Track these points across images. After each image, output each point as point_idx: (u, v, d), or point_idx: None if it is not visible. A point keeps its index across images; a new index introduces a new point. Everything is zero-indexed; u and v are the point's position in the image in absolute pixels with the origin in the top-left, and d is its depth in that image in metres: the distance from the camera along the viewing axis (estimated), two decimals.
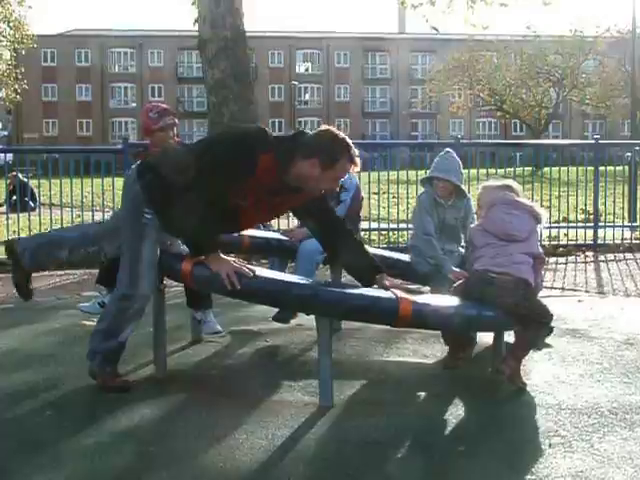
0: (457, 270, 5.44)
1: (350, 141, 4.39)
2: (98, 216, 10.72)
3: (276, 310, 5.90)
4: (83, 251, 5.03)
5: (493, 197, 5.00)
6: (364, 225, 10.84)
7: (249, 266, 4.42)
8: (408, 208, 14.32)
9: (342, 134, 4.40)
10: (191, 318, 5.91)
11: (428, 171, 6.22)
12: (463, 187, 6.03)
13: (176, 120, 6.14)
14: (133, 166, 4.69)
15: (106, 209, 12.27)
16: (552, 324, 4.96)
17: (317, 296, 4.41)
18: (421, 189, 6.10)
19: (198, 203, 4.19)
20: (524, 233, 4.82)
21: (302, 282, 4.63)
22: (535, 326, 4.68)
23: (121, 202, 4.81)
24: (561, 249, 10.66)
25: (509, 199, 4.95)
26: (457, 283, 4.96)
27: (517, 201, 4.97)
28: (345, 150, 4.33)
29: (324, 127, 4.51)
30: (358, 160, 4.40)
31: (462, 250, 5.84)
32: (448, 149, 6.18)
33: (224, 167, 4.21)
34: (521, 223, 4.83)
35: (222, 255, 4.39)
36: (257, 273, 4.40)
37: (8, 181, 17.64)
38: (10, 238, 5.60)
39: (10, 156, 17.82)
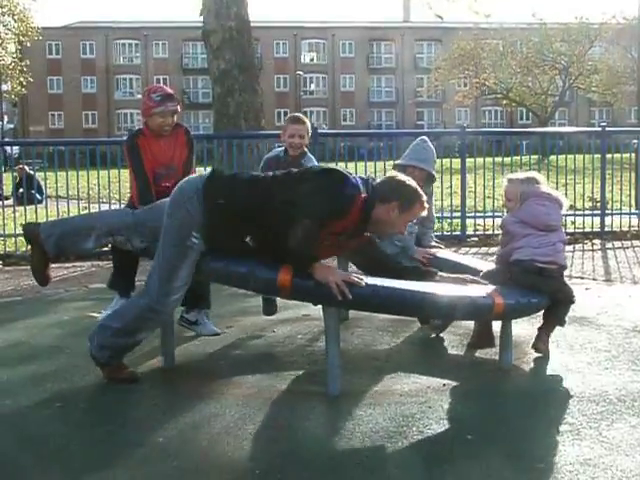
0: (422, 249, 5.92)
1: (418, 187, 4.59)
2: (105, 207, 10.72)
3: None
4: (111, 239, 4.93)
5: (525, 190, 5.19)
6: None
7: (357, 275, 4.38)
8: None
9: (410, 179, 4.58)
10: (179, 317, 5.69)
11: (403, 156, 6.28)
12: (435, 175, 6.26)
13: (178, 108, 5.95)
14: (192, 177, 4.63)
15: (112, 201, 12.26)
16: None
17: (426, 300, 4.44)
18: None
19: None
20: (559, 223, 5.21)
21: (417, 288, 4.51)
22: (564, 306, 5.10)
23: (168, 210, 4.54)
24: (568, 237, 10.60)
25: (541, 191, 5.17)
26: (486, 271, 5.25)
27: (548, 192, 5.21)
28: (418, 194, 4.49)
29: (393, 173, 4.70)
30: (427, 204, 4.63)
31: (416, 229, 6.07)
32: (424, 137, 6.33)
33: (325, 215, 4.21)
34: (555, 213, 5.14)
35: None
36: (367, 281, 4.32)
37: (15, 174, 17.68)
38: (28, 222, 5.33)
39: (16, 149, 17.88)
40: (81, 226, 4.94)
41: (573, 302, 5.15)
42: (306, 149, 6.25)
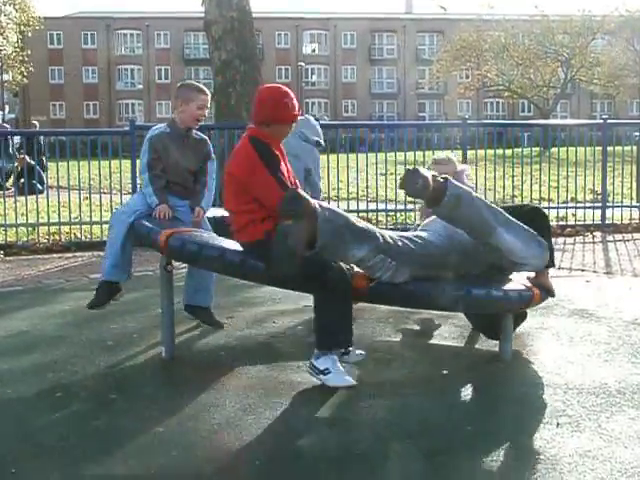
0: None
1: None
2: (106, 198, 10.71)
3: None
4: (376, 261, 4.28)
5: (456, 168, 5.58)
6: (372, 206, 10.85)
7: None
8: None
9: None
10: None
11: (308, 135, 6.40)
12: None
13: None
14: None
15: (113, 191, 12.25)
16: (560, 305, 5.63)
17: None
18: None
19: None
20: None
21: None
22: None
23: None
24: (569, 229, 10.64)
25: (464, 169, 5.73)
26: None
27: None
28: None
29: None
30: None
31: None
32: (307, 115, 6.68)
33: None
34: None
35: None
36: None
37: (16, 164, 17.66)
38: (296, 192, 4.20)
39: (17, 139, 17.85)
40: (361, 228, 4.33)
41: None
42: None
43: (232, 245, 4.80)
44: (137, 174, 5.46)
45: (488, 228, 4.41)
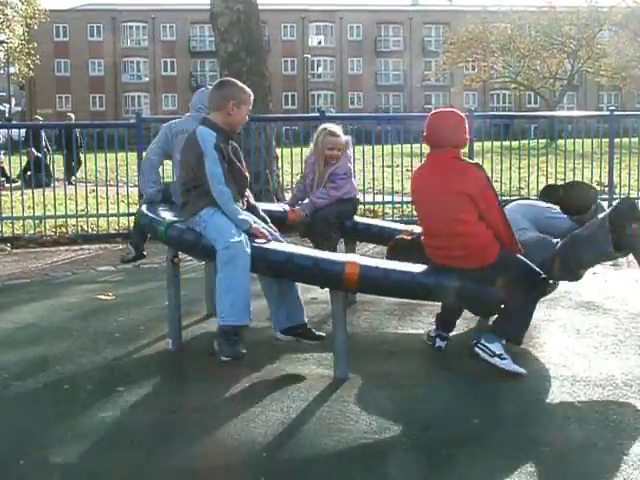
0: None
1: None
2: (112, 191, 10.72)
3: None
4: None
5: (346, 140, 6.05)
6: (378, 198, 10.83)
7: None
8: None
9: None
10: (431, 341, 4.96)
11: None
12: None
13: None
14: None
15: (120, 184, 12.25)
16: (567, 297, 5.53)
17: None
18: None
19: None
20: None
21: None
22: None
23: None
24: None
25: (348, 139, 6.17)
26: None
27: None
28: None
29: None
30: None
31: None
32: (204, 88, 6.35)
33: None
34: None
35: None
36: None
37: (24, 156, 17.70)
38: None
39: (23, 131, 17.85)
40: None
41: None
42: None
43: (432, 269, 4.60)
44: (184, 185, 4.61)
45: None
